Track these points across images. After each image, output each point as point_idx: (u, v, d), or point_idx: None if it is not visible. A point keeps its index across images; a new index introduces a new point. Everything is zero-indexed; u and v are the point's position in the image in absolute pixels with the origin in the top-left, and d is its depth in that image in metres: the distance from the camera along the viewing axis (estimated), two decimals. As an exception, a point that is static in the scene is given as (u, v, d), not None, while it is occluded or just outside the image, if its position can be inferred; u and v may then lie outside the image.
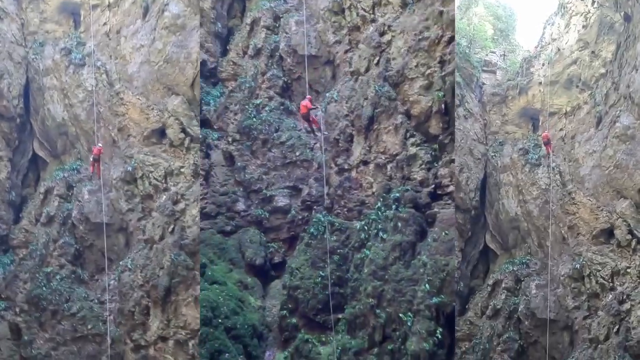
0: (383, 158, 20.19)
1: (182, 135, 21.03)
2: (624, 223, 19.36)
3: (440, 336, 16.94)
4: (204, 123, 22.15)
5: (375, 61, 20.89)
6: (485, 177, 24.20)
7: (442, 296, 17.26)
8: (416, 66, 19.82)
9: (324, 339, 18.63)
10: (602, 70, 21.17)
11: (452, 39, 19.29)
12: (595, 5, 21.35)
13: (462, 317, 22.86)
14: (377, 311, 17.88)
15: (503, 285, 22.29)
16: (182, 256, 19.52)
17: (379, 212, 19.32)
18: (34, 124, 23.83)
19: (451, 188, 19.26)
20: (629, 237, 19.22)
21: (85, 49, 22.66)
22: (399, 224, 18.70)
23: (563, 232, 21.36)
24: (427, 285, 17.38)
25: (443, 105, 19.32)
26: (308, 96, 20.29)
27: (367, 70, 21.08)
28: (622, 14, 20.26)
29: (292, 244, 21.46)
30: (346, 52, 22.00)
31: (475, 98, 24.80)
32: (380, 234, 18.93)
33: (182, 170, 20.76)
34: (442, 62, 19.40)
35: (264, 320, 19.78)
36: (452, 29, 19.30)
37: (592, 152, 20.68)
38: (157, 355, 19.58)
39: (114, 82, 22.27)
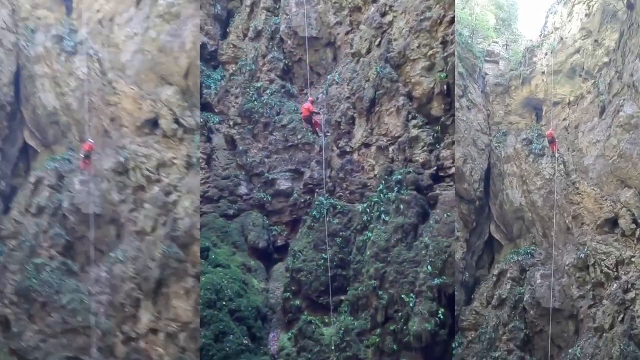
0: (385, 140, 20.38)
1: (175, 125, 21.02)
2: (628, 212, 19.87)
3: (442, 317, 17.30)
4: (205, 107, 22.31)
5: (376, 42, 21.00)
6: (489, 168, 24.66)
7: (444, 277, 17.59)
8: (418, 47, 19.90)
9: (327, 320, 18.96)
10: (605, 59, 21.66)
11: (453, 20, 19.39)
12: (598, -7, 21.76)
13: (467, 306, 23.32)
14: (380, 292, 18.20)
15: (508, 275, 22.74)
16: (173, 248, 19.52)
17: (381, 195, 19.57)
18: (24, 113, 23.78)
19: (453, 170, 19.50)
20: (633, 226, 19.75)
21: (77, 37, 22.61)
22: (401, 206, 18.95)
23: (567, 221, 21.84)
24: (429, 266, 17.73)
25: (445, 87, 19.46)
26: (310, 98, 20.53)
27: (368, 51, 21.23)
28: (625, 1, 20.66)
29: (295, 227, 21.76)
30: (347, 33, 22.21)
31: (478, 88, 25.24)
32: (383, 216, 19.17)
33: (174, 161, 20.77)
34: (444, 43, 19.48)
35: (267, 302, 20.11)
36: (453, 8, 19.36)
37: (595, 142, 21.15)
38: (147, 347, 19.61)
39: (106, 71, 22.25)
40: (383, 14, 21.12)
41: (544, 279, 21.66)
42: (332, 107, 21.73)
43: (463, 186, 23.42)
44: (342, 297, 19.17)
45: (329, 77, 22.45)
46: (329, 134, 21.66)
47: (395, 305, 17.94)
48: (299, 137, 22.04)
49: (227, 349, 17.82)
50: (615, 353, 18.56)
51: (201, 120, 21.39)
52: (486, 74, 25.84)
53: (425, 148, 19.68)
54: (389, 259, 18.43)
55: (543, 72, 24.07)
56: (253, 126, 22.89)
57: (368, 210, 19.75)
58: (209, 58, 23.39)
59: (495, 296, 22.66)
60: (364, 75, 20.93)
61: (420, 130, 19.81)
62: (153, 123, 21.60)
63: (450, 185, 19.33)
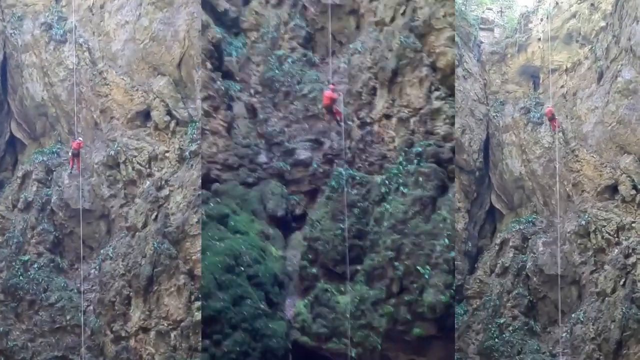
0: (406, 112, 20.27)
1: (167, 118, 21.22)
2: (628, 179, 20.54)
3: (454, 289, 18.03)
4: (226, 75, 22.18)
5: (401, 11, 20.67)
6: (488, 138, 25.17)
7: (461, 250, 18.25)
8: (444, 16, 19.63)
9: (342, 288, 19.58)
10: (602, 24, 21.86)
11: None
12: (594, -46, 21.78)
13: (471, 275, 24.27)
14: (396, 264, 18.69)
15: (510, 243, 23.58)
16: (165, 244, 19.76)
17: (400, 167, 19.77)
18: (11, 104, 23.81)
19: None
20: (633, 192, 20.45)
21: (66, 24, 22.56)
22: (420, 179, 19.19)
23: (568, 189, 22.57)
24: (446, 239, 18.25)
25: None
26: (330, 85, 20.34)
27: (392, 20, 20.96)
28: (621, -37, 20.70)
29: (313, 197, 22.00)
30: (371, 0, 22.00)
31: (474, 57, 25.43)
32: (401, 188, 19.44)
33: (167, 154, 20.96)
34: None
35: (284, 269, 20.55)
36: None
37: (594, 109, 21.59)
38: (137, 346, 19.94)
39: (96, 61, 22.27)
40: (409, -20, 20.68)
41: (546, 246, 22.60)
42: (354, 77, 21.74)
43: (462, 157, 24.04)
44: (358, 267, 19.65)
45: (351, 46, 22.40)
46: (349, 104, 21.73)
47: (411, 277, 18.46)
48: (319, 106, 21.89)
49: (245, 312, 18.40)
50: (618, 316, 19.62)
51: (222, 88, 21.45)
52: (481, 42, 25.93)
53: (447, 121, 19.67)
54: (406, 230, 18.85)
55: (539, 39, 24.19)
56: (274, 95, 22.90)
57: (387, 182, 19.99)
58: (231, 25, 23.09)
59: (498, 265, 23.57)
60: (387, 44, 20.74)
61: (443, 102, 19.70)
62: (145, 115, 21.73)
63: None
